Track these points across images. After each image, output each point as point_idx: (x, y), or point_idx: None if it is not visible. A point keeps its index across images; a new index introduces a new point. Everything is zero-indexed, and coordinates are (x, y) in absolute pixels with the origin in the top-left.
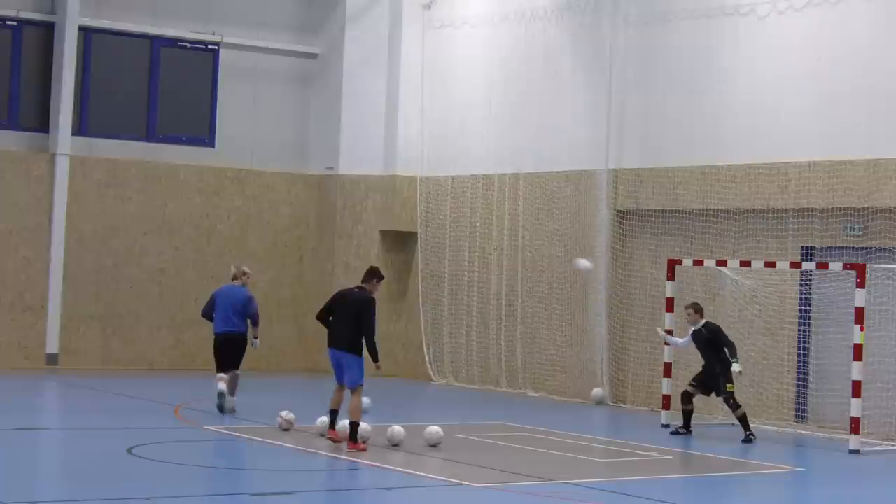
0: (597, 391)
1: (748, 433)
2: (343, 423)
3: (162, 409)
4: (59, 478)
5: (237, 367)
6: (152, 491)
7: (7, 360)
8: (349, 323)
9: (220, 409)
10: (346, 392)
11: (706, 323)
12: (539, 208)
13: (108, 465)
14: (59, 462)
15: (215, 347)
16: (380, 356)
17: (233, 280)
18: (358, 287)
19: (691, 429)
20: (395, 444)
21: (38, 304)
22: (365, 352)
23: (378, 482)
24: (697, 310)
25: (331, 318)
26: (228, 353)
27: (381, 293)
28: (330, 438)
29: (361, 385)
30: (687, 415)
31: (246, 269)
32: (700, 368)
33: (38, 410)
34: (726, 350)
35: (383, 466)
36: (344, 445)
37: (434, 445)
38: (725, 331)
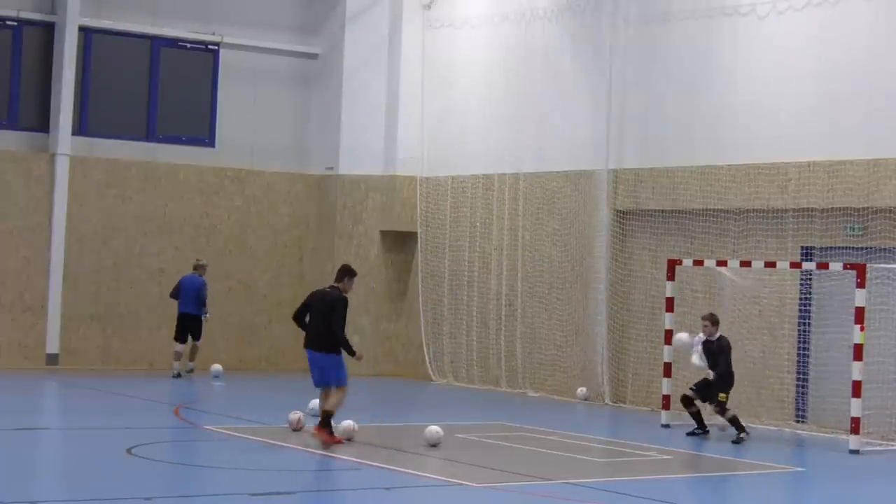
0: (581, 390)
1: (741, 434)
2: (345, 423)
3: (162, 409)
4: (58, 478)
5: (199, 339)
6: (152, 491)
7: (7, 360)
8: (324, 323)
9: (179, 376)
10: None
11: (720, 337)
12: (539, 208)
13: (107, 465)
14: (59, 462)
15: (181, 322)
16: (354, 348)
17: (195, 270)
18: (331, 286)
19: (707, 428)
20: (432, 445)
21: (38, 304)
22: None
23: (378, 482)
24: (715, 322)
25: (308, 320)
26: (189, 328)
27: (379, 293)
28: (317, 437)
29: (345, 385)
30: (695, 416)
31: (204, 261)
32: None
33: (38, 410)
34: (717, 367)
35: (383, 466)
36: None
37: (434, 445)
38: (726, 331)
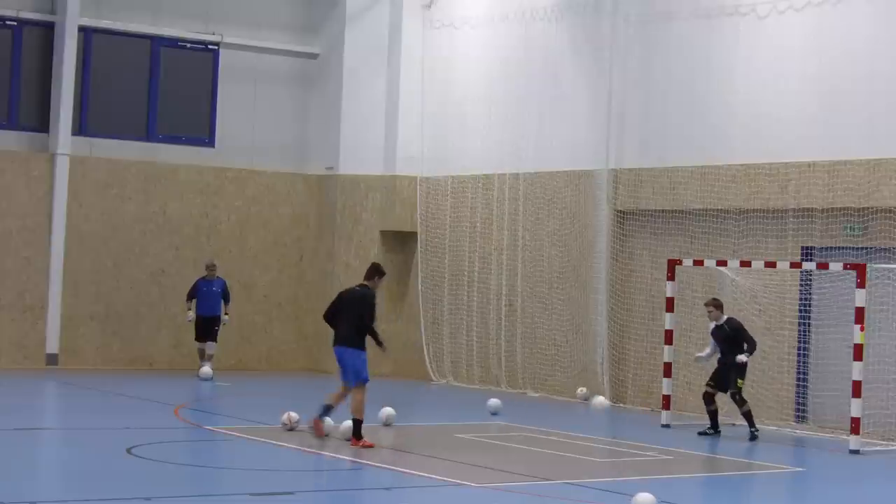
0: (581, 390)
1: (753, 430)
2: (346, 423)
3: (162, 409)
4: (59, 478)
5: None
6: (152, 491)
7: (7, 360)
8: (350, 321)
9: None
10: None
11: (728, 319)
12: (539, 208)
13: (108, 465)
14: (59, 462)
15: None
16: (382, 341)
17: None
18: (360, 285)
19: (720, 429)
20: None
21: (38, 304)
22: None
23: (378, 482)
24: (718, 306)
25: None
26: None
27: (381, 293)
28: (313, 429)
29: (365, 381)
30: (712, 415)
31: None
32: (715, 366)
33: (38, 410)
34: (746, 346)
35: (383, 466)
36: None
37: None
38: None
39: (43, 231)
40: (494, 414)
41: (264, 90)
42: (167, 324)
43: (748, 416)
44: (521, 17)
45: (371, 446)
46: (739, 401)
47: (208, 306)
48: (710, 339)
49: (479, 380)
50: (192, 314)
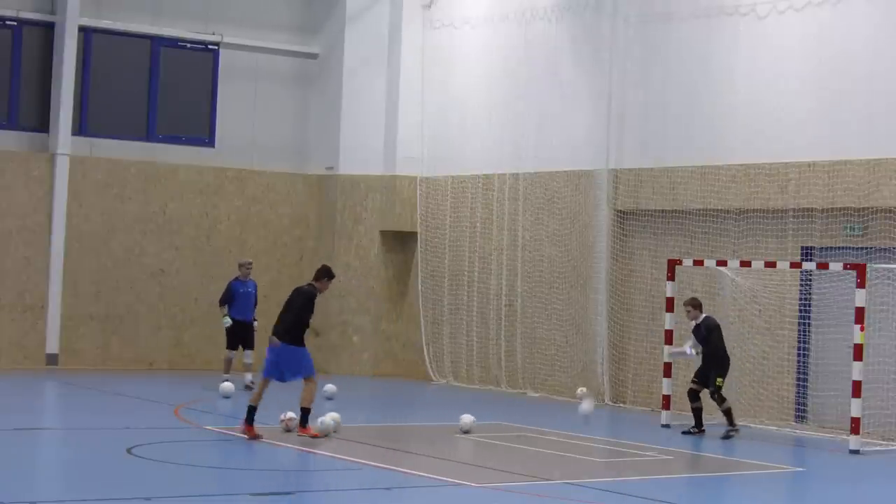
0: (581, 390)
1: (730, 428)
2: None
3: (162, 409)
4: (59, 478)
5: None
6: (152, 491)
7: (7, 360)
8: (288, 315)
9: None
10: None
11: (706, 318)
12: (539, 208)
13: (108, 465)
14: (59, 462)
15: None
16: (315, 333)
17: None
18: (308, 284)
19: (703, 427)
20: (465, 431)
21: (38, 304)
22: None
23: (378, 482)
24: (696, 305)
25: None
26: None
27: (379, 293)
28: (246, 434)
29: (313, 375)
30: (697, 412)
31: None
32: (700, 363)
33: (38, 410)
34: (702, 345)
35: (383, 466)
36: (296, 431)
37: (467, 431)
38: (725, 331)
39: (43, 231)
40: (329, 399)
41: (264, 90)
42: (167, 324)
43: (728, 413)
44: (521, 17)
45: (316, 436)
46: (718, 399)
47: (244, 309)
48: (691, 337)
49: (479, 380)
50: (228, 319)
